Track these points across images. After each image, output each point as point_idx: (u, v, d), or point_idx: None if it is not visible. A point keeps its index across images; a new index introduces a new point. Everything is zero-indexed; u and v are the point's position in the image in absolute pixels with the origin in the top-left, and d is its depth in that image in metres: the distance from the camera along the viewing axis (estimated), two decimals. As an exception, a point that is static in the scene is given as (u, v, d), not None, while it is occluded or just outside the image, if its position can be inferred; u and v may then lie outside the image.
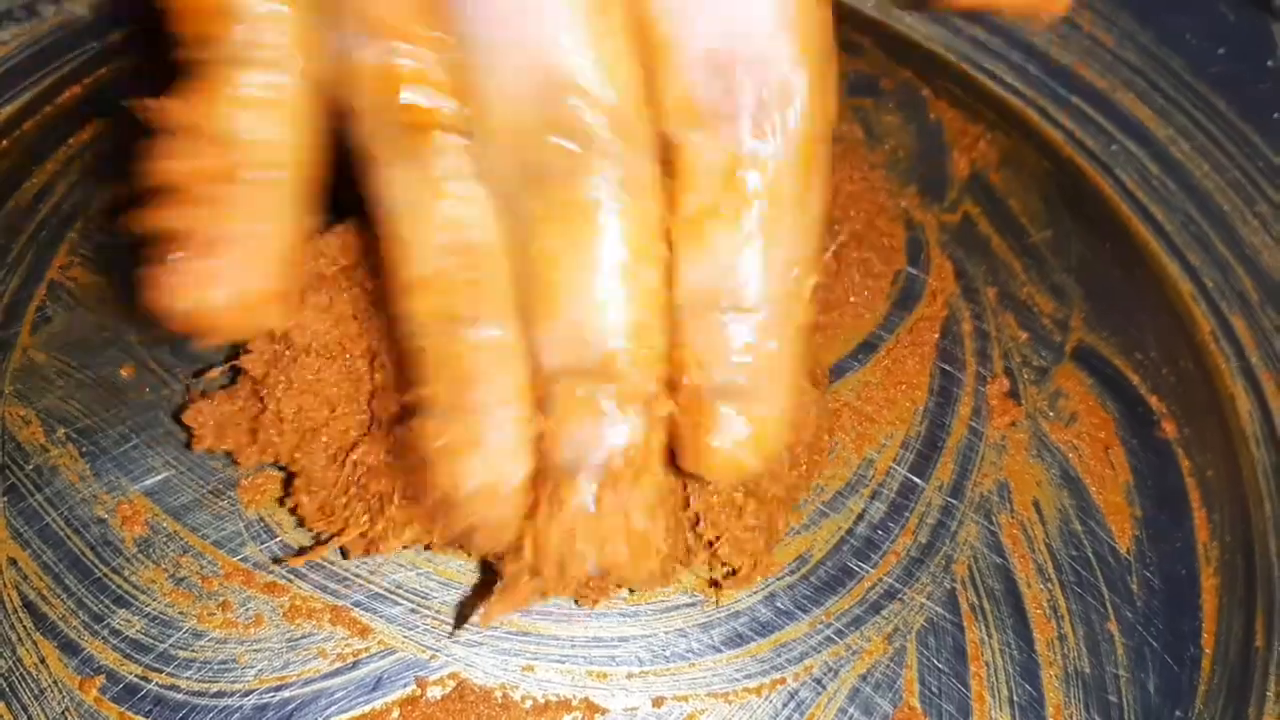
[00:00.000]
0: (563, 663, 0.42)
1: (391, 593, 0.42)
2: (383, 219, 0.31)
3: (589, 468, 0.30)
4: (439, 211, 0.30)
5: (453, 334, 0.31)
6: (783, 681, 0.42)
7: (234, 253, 0.31)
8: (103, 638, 0.40)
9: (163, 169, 0.31)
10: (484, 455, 0.31)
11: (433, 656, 0.41)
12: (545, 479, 0.31)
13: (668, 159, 0.30)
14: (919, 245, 0.53)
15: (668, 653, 0.42)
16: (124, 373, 0.45)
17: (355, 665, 0.41)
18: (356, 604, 0.42)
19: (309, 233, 0.34)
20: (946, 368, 0.50)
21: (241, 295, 0.31)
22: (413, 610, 0.42)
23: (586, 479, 0.30)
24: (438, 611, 0.42)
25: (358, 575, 0.42)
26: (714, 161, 0.29)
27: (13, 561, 0.41)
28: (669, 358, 0.31)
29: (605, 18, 0.28)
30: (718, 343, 0.31)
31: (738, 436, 0.31)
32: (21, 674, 0.40)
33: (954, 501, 0.46)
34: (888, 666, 0.43)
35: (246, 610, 0.41)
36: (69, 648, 0.40)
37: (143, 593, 0.41)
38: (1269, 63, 0.57)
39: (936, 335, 0.50)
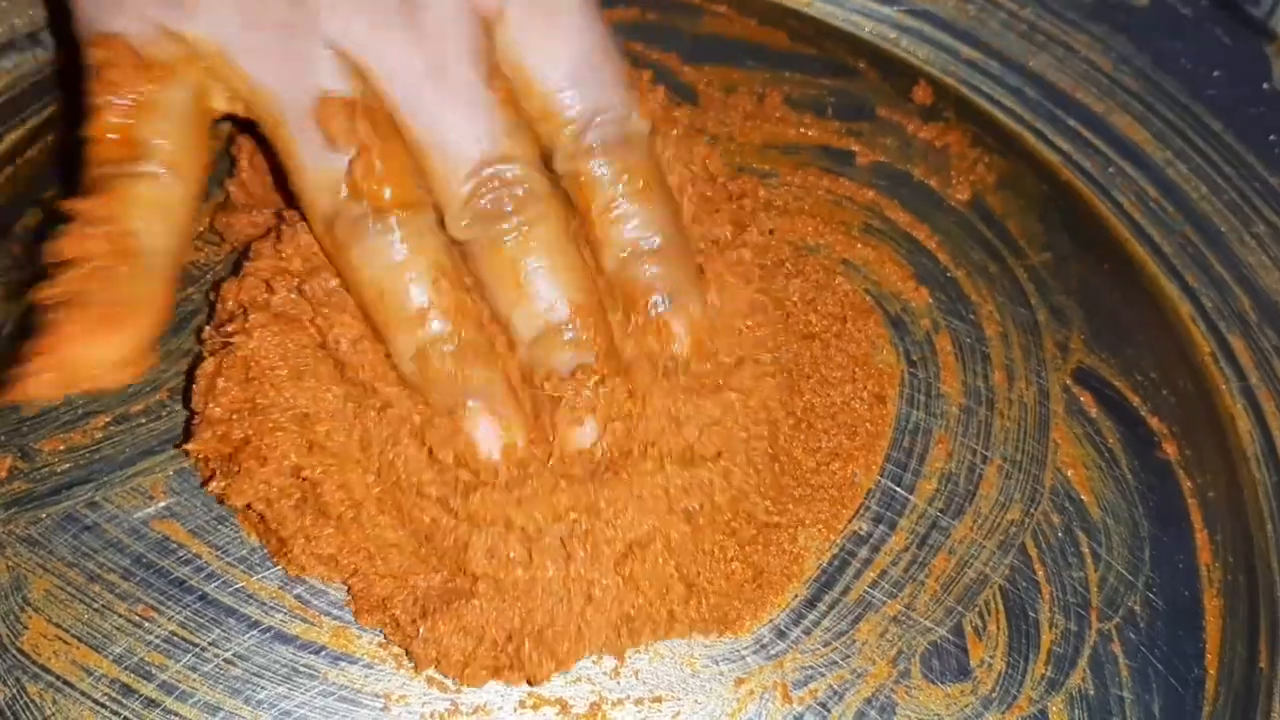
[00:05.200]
0: (567, 684, 0.42)
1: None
2: (364, 286, 0.41)
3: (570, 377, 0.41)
4: (417, 265, 0.40)
5: (444, 355, 0.40)
6: (788, 704, 0.42)
7: (121, 318, 0.39)
8: (107, 664, 0.40)
9: (68, 246, 0.39)
10: (498, 418, 0.40)
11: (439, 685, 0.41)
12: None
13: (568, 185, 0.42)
14: (924, 269, 0.53)
15: (670, 676, 0.42)
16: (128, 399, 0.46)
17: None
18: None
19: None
20: (945, 389, 0.50)
21: (123, 352, 0.39)
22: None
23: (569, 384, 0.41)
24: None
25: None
26: (602, 176, 0.42)
27: (17, 588, 0.41)
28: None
29: (491, 97, 0.40)
30: (645, 279, 0.42)
31: (675, 323, 0.42)
32: (25, 702, 0.40)
33: (955, 523, 0.46)
34: (892, 690, 0.43)
35: (252, 636, 0.41)
36: (73, 675, 0.40)
37: (148, 621, 0.41)
38: (1265, 85, 0.58)
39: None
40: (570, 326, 0.41)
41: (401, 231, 0.40)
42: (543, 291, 0.40)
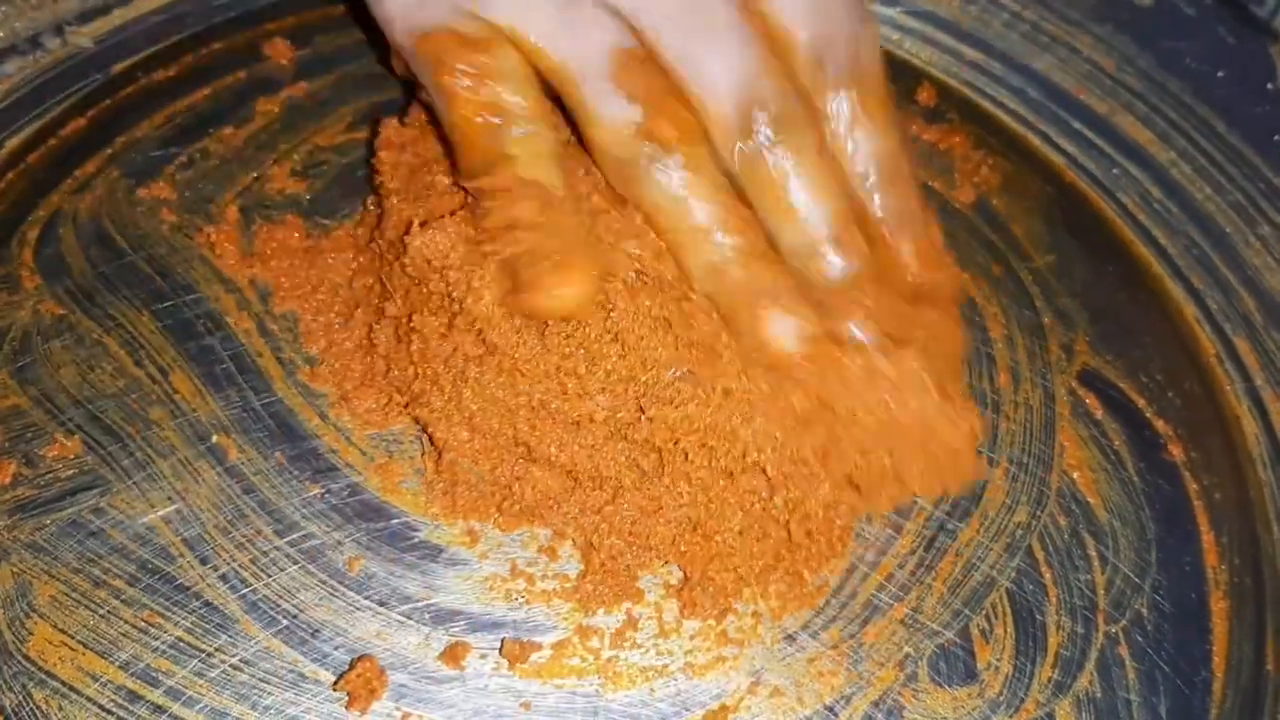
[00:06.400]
0: (574, 692, 0.42)
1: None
2: (659, 215, 0.44)
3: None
4: (700, 188, 0.43)
5: (732, 264, 0.43)
6: (795, 708, 0.42)
7: (571, 261, 0.42)
8: (113, 670, 0.40)
9: (500, 216, 0.43)
10: (791, 312, 0.43)
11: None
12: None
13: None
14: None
15: (680, 679, 0.42)
16: (126, 402, 0.45)
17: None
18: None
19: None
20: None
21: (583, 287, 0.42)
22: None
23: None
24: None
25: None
26: (831, 110, 0.45)
27: (22, 594, 0.41)
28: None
29: (747, 31, 0.43)
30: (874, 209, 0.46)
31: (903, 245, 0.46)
32: (31, 708, 0.39)
33: (962, 526, 0.46)
34: (900, 693, 0.43)
35: (258, 642, 0.41)
36: (79, 681, 0.40)
37: (154, 626, 0.41)
38: (1269, 85, 0.58)
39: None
40: (833, 239, 0.44)
41: (685, 163, 0.43)
42: (805, 206, 0.44)
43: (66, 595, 0.41)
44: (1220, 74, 0.59)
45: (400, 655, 0.41)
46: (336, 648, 0.41)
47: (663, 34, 0.43)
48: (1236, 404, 0.52)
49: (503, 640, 0.42)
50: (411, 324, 0.44)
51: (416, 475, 0.45)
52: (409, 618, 0.42)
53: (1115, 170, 0.58)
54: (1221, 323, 0.53)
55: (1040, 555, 0.46)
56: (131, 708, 0.40)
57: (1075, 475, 0.48)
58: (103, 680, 0.40)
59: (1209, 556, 0.47)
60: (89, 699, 0.40)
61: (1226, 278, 0.54)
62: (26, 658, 0.40)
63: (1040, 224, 0.56)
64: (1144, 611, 0.45)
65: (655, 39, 0.43)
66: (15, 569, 0.42)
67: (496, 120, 0.44)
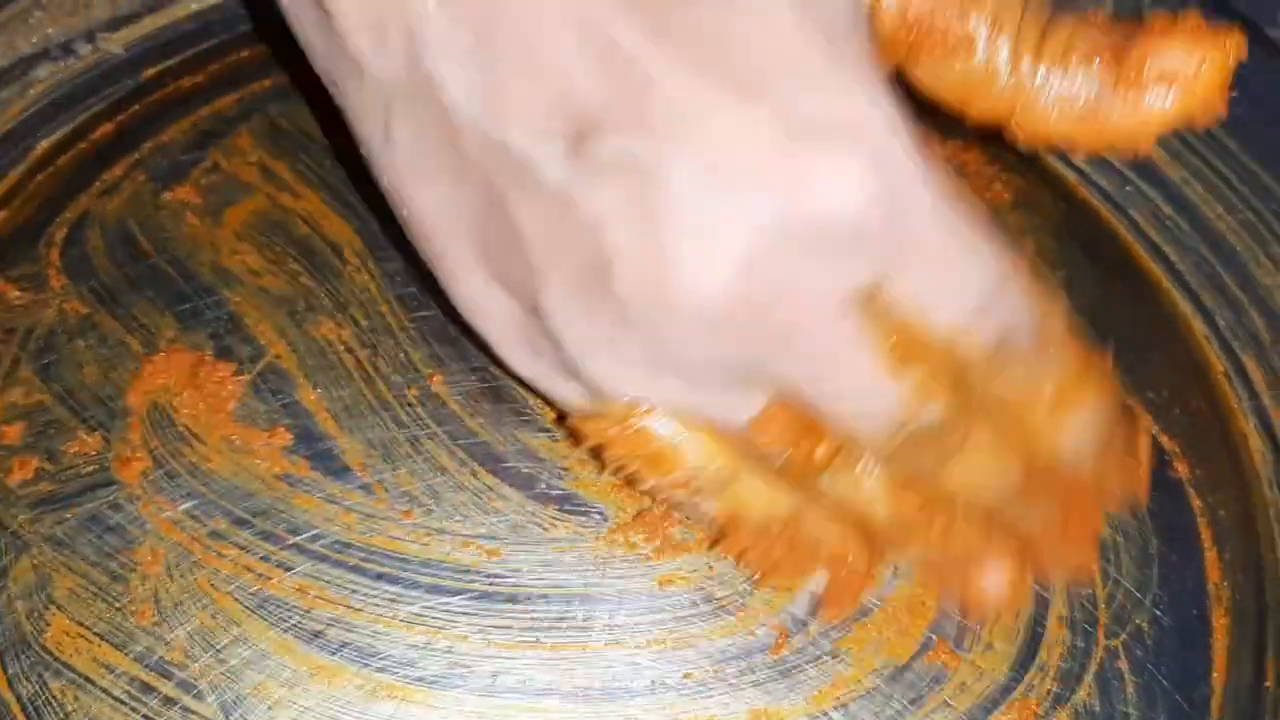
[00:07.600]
0: (574, 693, 0.42)
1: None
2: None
3: None
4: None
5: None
6: (790, 709, 0.42)
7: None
8: (128, 662, 0.41)
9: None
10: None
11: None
12: None
13: None
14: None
15: (676, 677, 0.43)
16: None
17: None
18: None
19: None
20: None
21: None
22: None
23: None
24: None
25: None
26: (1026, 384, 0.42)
27: (41, 586, 0.42)
28: None
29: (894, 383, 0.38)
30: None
31: None
32: (47, 698, 0.40)
33: (965, 538, 0.47)
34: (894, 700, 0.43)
35: (269, 638, 0.42)
36: (94, 672, 0.41)
37: (167, 619, 0.42)
38: (1281, 105, 0.58)
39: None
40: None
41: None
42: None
43: (84, 588, 0.42)
44: (1234, 93, 0.59)
45: (405, 655, 0.42)
46: (346, 644, 0.42)
47: (810, 392, 0.38)
48: (1243, 422, 0.52)
49: None
50: None
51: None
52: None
53: (1128, 188, 0.58)
54: (1230, 341, 0.54)
55: (1042, 568, 0.46)
56: (144, 699, 0.41)
57: (1079, 490, 0.49)
58: (117, 671, 0.41)
59: (1211, 574, 0.47)
60: (103, 690, 0.41)
61: (1236, 296, 0.55)
62: (44, 648, 0.41)
63: (1051, 240, 0.56)
64: (1144, 626, 0.46)
65: (805, 393, 0.39)
66: (35, 562, 0.43)
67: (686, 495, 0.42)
